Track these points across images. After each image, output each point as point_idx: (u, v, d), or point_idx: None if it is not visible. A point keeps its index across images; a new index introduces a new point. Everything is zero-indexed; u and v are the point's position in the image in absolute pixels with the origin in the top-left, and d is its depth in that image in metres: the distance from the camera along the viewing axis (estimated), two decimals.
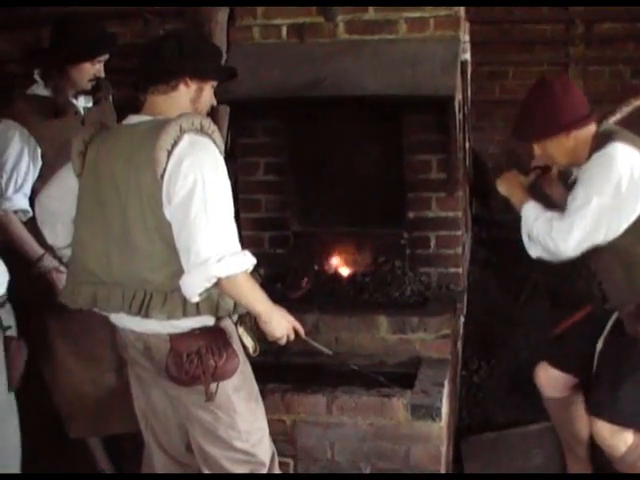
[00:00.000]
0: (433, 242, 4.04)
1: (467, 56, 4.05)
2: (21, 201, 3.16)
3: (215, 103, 2.65)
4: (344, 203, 4.11)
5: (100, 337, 3.28)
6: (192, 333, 2.46)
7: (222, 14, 4.26)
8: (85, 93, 3.28)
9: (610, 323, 3.08)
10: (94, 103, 3.35)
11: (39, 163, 3.17)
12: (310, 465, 3.26)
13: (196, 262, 2.27)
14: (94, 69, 3.20)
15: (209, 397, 2.48)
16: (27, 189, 3.17)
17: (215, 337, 2.49)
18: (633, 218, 2.79)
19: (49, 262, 3.15)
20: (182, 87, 2.49)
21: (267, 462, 2.73)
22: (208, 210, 2.29)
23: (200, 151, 2.35)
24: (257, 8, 3.88)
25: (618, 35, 6.19)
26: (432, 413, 3.14)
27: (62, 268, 3.09)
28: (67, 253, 2.70)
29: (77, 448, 3.59)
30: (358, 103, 3.68)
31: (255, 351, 2.61)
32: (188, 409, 2.59)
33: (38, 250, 3.14)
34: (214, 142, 2.42)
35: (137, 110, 2.55)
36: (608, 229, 2.78)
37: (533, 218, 2.93)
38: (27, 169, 3.15)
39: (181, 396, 2.57)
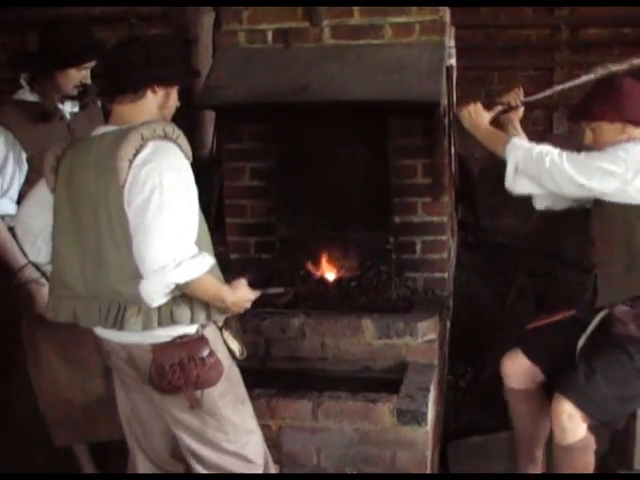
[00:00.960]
0: (419, 247, 4.04)
1: (453, 61, 4.07)
2: (8, 206, 3.14)
3: (179, 104, 2.62)
4: (330, 208, 4.11)
5: (86, 342, 3.26)
6: (174, 343, 2.45)
7: (207, 19, 4.27)
8: (71, 98, 3.27)
9: (595, 322, 3.09)
10: (80, 108, 3.33)
11: (25, 167, 3.15)
12: (296, 471, 3.25)
13: (153, 268, 2.26)
14: (80, 75, 3.19)
15: (193, 404, 2.49)
16: (13, 194, 3.16)
17: (197, 346, 2.47)
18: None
19: (31, 273, 3.13)
20: (149, 94, 2.47)
21: (260, 461, 2.73)
22: (164, 216, 2.27)
23: (161, 156, 2.33)
24: (243, 13, 3.88)
25: (603, 40, 6.23)
26: (418, 418, 3.14)
27: (43, 280, 3.08)
28: (48, 269, 2.69)
29: (62, 453, 3.58)
30: (344, 108, 3.69)
31: (242, 354, 2.63)
32: (174, 415, 2.58)
33: (21, 260, 3.11)
34: (179, 147, 2.40)
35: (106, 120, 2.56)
36: (615, 186, 2.90)
37: (528, 148, 3.00)
38: (13, 174, 3.14)
39: (166, 403, 2.56)
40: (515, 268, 4.96)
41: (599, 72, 3.37)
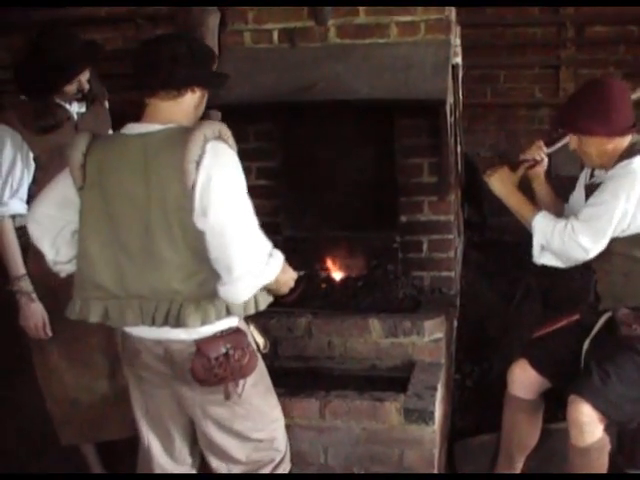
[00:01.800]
0: (425, 246, 4.04)
1: (458, 60, 4.06)
2: (18, 206, 3.15)
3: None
4: (336, 207, 4.11)
5: (93, 343, 3.28)
6: (218, 336, 2.50)
7: (213, 18, 4.26)
8: (78, 100, 3.27)
9: (599, 325, 3.10)
10: (87, 108, 3.33)
11: (32, 167, 3.15)
12: (303, 469, 3.25)
13: (242, 272, 2.34)
14: (75, 85, 3.16)
15: (229, 395, 2.54)
16: (23, 194, 3.16)
17: (239, 337, 2.54)
18: None
19: (26, 286, 3.15)
20: (189, 93, 2.50)
21: (283, 449, 2.81)
22: (244, 218, 2.38)
23: (225, 162, 2.37)
24: (248, 13, 3.88)
25: (609, 38, 6.21)
26: (425, 417, 3.14)
27: (34, 296, 3.14)
28: (68, 268, 2.66)
29: (69, 453, 3.59)
30: (350, 107, 3.68)
31: (265, 347, 2.71)
32: (206, 408, 2.61)
33: (20, 269, 3.13)
34: (231, 148, 2.45)
35: (137, 118, 2.52)
36: (621, 229, 2.91)
37: (551, 227, 3.00)
38: (21, 174, 3.14)
39: (196, 397, 2.59)
40: (521, 267, 4.94)
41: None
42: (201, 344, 2.47)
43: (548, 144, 3.27)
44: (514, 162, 3.25)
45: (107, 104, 3.50)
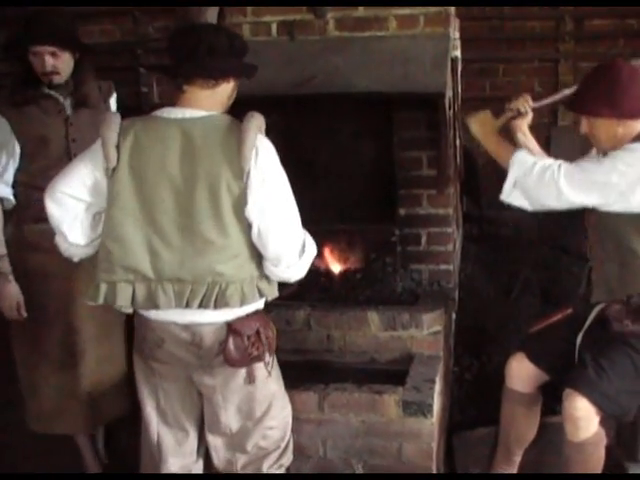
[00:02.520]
0: (424, 239, 4.04)
1: (457, 53, 4.06)
2: (3, 189, 3.17)
3: None
4: (335, 200, 4.11)
5: (52, 337, 3.29)
6: (248, 316, 2.59)
7: (212, 11, 4.25)
8: (72, 96, 3.24)
9: (591, 318, 3.10)
10: (81, 104, 3.27)
11: (17, 155, 3.16)
12: (302, 462, 3.26)
13: (298, 251, 2.60)
14: (39, 60, 3.12)
15: (252, 379, 2.65)
16: (8, 178, 3.18)
17: (265, 318, 2.66)
18: (635, 209, 2.87)
19: (4, 266, 3.17)
20: (224, 83, 2.57)
21: (288, 438, 2.90)
22: (292, 205, 2.60)
23: (274, 155, 2.54)
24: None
25: (608, 31, 6.21)
26: (424, 410, 3.14)
27: (11, 277, 3.17)
28: (83, 252, 2.65)
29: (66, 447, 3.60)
30: (349, 100, 3.68)
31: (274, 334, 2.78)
32: (225, 394, 2.67)
33: (2, 249, 3.15)
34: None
35: (172, 102, 2.59)
36: (610, 199, 2.88)
37: (533, 162, 2.98)
38: (7, 159, 3.15)
39: (217, 384, 2.65)
40: (520, 260, 4.96)
41: None
42: (235, 323, 2.55)
43: (535, 100, 3.28)
44: (498, 111, 3.26)
45: (114, 100, 3.46)
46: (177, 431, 2.80)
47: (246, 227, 2.49)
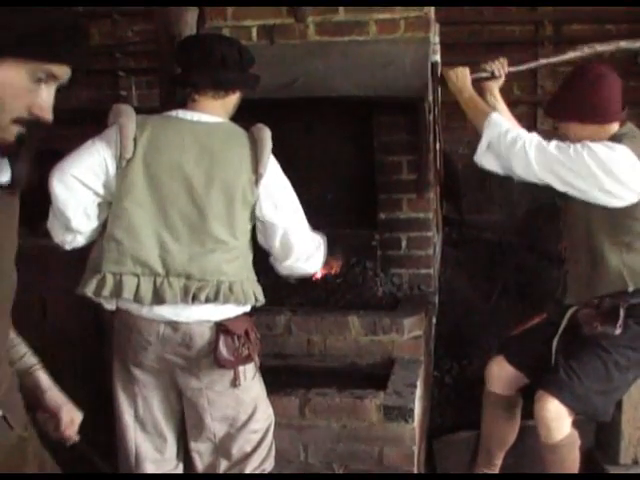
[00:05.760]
0: (404, 243, 4.05)
1: (437, 57, 4.06)
2: None
3: None
4: (315, 204, 4.07)
5: None
6: (238, 317, 2.63)
7: (191, 15, 4.23)
8: None
9: (564, 322, 3.13)
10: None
11: None
12: (283, 467, 3.24)
13: (311, 251, 2.77)
14: None
15: (236, 381, 2.65)
16: None
17: (251, 320, 2.71)
18: (595, 200, 2.89)
19: None
20: (232, 94, 2.67)
21: (269, 443, 2.88)
22: (301, 213, 2.75)
23: (276, 163, 2.68)
24: (227, 9, 3.87)
25: (587, 36, 6.23)
26: (405, 414, 3.14)
27: None
28: (79, 241, 2.61)
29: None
30: (329, 104, 3.68)
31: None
32: (210, 397, 2.66)
33: None
34: None
35: (184, 106, 2.66)
36: (570, 185, 2.91)
37: (507, 127, 3.01)
38: None
39: (202, 387, 2.65)
40: (499, 264, 4.97)
41: (585, 51, 3.40)
42: (228, 322, 2.59)
43: (511, 65, 3.39)
44: (477, 75, 3.35)
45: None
46: (156, 438, 2.79)
47: (249, 231, 2.63)
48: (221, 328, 2.58)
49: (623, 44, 3.46)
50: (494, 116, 3.08)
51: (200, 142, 2.54)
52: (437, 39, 4.09)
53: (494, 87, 3.37)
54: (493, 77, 3.32)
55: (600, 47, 3.43)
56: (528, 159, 2.92)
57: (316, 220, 4.07)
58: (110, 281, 2.51)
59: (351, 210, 4.11)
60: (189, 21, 4.30)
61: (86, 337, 3.33)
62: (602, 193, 2.86)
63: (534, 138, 2.96)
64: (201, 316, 2.57)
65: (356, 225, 4.10)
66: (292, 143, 4.02)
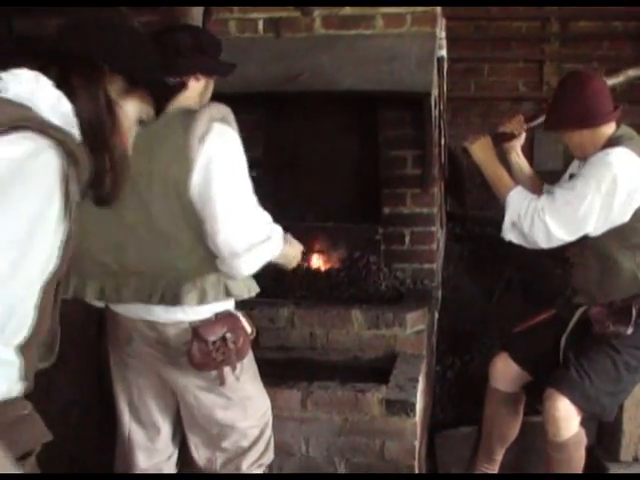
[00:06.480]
0: (408, 238, 4.05)
1: (443, 52, 4.06)
2: None
3: None
4: (319, 198, 4.11)
5: None
6: (215, 319, 2.51)
7: (197, 8, 4.24)
8: None
9: (574, 321, 3.13)
10: None
11: None
12: (285, 460, 3.26)
13: (242, 247, 2.36)
14: None
15: (222, 381, 2.54)
16: None
17: (234, 321, 2.55)
18: (618, 222, 2.92)
19: None
20: (192, 82, 2.53)
21: (267, 437, 2.81)
22: (242, 197, 2.43)
23: (228, 142, 2.40)
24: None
25: (593, 33, 6.24)
26: (407, 408, 3.14)
27: None
28: None
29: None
30: (334, 98, 3.68)
31: (252, 333, 2.67)
32: (197, 395, 2.62)
33: None
34: (234, 131, 2.46)
35: None
36: (594, 227, 2.93)
37: (525, 205, 3.01)
38: None
39: (189, 384, 2.60)
40: (503, 260, 4.97)
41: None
42: (199, 327, 2.47)
43: (528, 120, 3.32)
44: (495, 134, 3.29)
45: None
46: (149, 428, 2.78)
47: (200, 221, 2.40)
48: (195, 332, 2.48)
49: None
50: (513, 195, 3.09)
51: (144, 138, 2.30)
52: (443, 34, 4.09)
53: (516, 145, 3.35)
54: (514, 137, 3.31)
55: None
56: (548, 229, 2.96)
57: (320, 214, 4.12)
58: (73, 283, 2.52)
59: (355, 204, 4.12)
60: (195, 14, 4.30)
61: (88, 325, 3.32)
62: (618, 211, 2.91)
63: (544, 207, 2.97)
64: (174, 315, 2.49)
65: (360, 219, 4.10)
66: (297, 136, 4.03)
